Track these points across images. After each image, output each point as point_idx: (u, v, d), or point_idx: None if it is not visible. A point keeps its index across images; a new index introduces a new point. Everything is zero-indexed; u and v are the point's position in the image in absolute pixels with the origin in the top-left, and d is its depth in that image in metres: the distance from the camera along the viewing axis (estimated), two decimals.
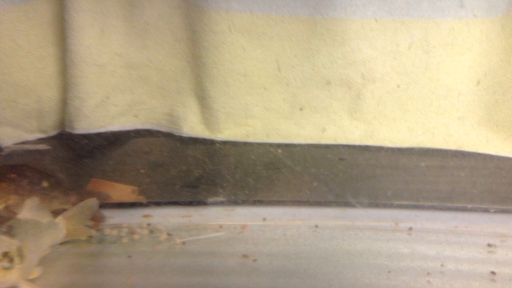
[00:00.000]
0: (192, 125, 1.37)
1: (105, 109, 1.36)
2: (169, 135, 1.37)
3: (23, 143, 1.35)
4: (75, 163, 1.31)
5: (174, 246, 0.92)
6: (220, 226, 1.00)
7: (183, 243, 0.94)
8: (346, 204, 1.06)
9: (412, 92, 1.29)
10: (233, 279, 0.86)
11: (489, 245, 0.93)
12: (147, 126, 1.40)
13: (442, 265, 0.88)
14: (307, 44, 1.27)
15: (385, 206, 1.05)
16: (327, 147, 1.31)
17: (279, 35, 1.27)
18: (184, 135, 1.36)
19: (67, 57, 1.30)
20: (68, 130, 1.36)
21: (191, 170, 1.20)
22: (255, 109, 1.34)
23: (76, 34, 1.27)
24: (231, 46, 1.27)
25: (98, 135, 1.34)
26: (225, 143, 1.33)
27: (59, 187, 1.03)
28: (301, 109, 1.34)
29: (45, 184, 1.00)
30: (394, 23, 1.23)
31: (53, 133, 1.39)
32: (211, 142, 1.34)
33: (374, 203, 1.06)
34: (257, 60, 1.29)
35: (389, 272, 0.86)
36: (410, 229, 0.99)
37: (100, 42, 1.30)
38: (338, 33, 1.24)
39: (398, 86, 1.29)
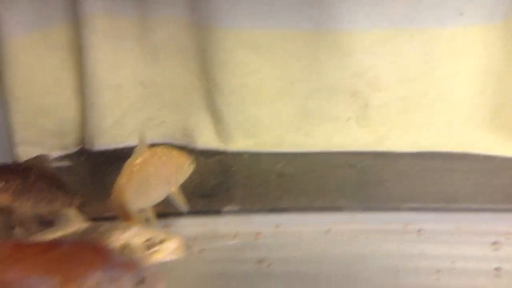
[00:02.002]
0: (206, 138, 1.42)
1: (122, 126, 1.42)
2: (183, 148, 1.42)
3: None
4: (96, 178, 1.37)
5: (193, 255, 0.97)
6: (235, 234, 1.04)
7: (201, 251, 0.99)
8: (356, 209, 1.10)
9: (417, 99, 1.33)
10: (249, 284, 0.90)
11: (494, 243, 0.96)
12: (162, 140, 1.45)
13: (450, 264, 0.91)
14: (313, 56, 1.32)
15: (394, 209, 1.08)
16: (336, 154, 1.35)
17: (286, 49, 1.32)
18: (198, 148, 1.41)
19: (84, 79, 1.36)
20: (87, 147, 1.42)
21: (206, 180, 1.24)
22: (265, 121, 1.39)
23: (91, 56, 1.33)
24: (240, 62, 1.33)
25: (118, 150, 1.40)
26: (237, 153, 1.38)
27: (61, 188, 1.02)
28: (309, 119, 1.38)
29: (44, 185, 0.99)
30: (395, 33, 1.27)
31: (74, 150, 1.45)
32: (224, 153, 1.38)
33: (384, 207, 1.09)
34: (265, 74, 1.35)
35: (397, 271, 0.90)
36: (419, 230, 1.02)
37: (115, 63, 1.37)
38: (342, 45, 1.29)
39: (403, 94, 1.33)
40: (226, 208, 1.10)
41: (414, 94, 1.33)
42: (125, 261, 0.72)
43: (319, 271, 0.92)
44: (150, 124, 1.45)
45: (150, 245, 0.82)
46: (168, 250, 0.83)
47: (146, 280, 0.71)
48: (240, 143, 1.40)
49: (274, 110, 1.38)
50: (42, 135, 1.39)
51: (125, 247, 0.83)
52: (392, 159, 1.31)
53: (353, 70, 1.31)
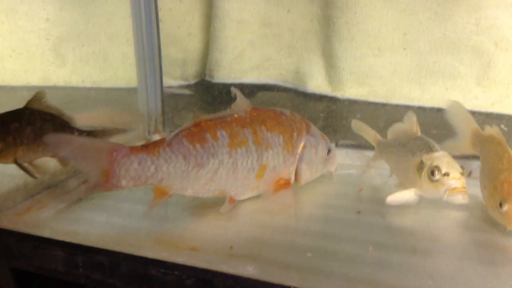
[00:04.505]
0: (317, 83, 1.45)
1: (241, 62, 1.49)
2: (293, 91, 1.47)
3: (169, 87, 1.54)
4: (212, 109, 1.47)
5: None
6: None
7: None
8: (468, 158, 1.09)
9: None
10: None
11: None
12: (274, 81, 1.51)
13: None
14: (439, 9, 1.28)
15: None
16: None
17: None
18: (308, 92, 1.45)
19: (213, 12, 1.45)
20: (208, 79, 1.52)
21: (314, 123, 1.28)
22: (380, 71, 1.38)
23: None
24: (364, 7, 1.33)
25: (234, 85, 1.48)
26: (346, 101, 1.40)
27: (63, 126, 1.03)
28: (426, 73, 1.36)
29: (49, 127, 1.00)
30: None
31: (193, 81, 1.56)
32: (332, 100, 1.41)
33: None
34: (388, 22, 1.34)
35: None
36: None
37: (242, 0, 1.43)
38: None
39: None
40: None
41: None
42: (321, 133, 0.96)
43: None
44: (266, 64, 1.51)
45: (433, 171, 0.85)
46: (446, 186, 0.84)
47: (331, 151, 0.97)
48: (351, 91, 1.42)
49: (391, 60, 1.37)
50: (168, 63, 1.50)
51: (423, 162, 0.88)
52: (507, 121, 1.26)
53: (481, 27, 1.27)
